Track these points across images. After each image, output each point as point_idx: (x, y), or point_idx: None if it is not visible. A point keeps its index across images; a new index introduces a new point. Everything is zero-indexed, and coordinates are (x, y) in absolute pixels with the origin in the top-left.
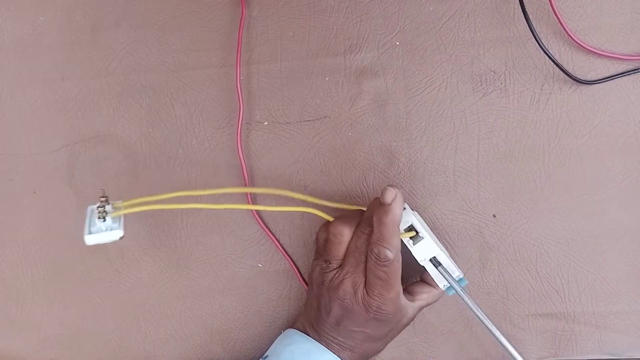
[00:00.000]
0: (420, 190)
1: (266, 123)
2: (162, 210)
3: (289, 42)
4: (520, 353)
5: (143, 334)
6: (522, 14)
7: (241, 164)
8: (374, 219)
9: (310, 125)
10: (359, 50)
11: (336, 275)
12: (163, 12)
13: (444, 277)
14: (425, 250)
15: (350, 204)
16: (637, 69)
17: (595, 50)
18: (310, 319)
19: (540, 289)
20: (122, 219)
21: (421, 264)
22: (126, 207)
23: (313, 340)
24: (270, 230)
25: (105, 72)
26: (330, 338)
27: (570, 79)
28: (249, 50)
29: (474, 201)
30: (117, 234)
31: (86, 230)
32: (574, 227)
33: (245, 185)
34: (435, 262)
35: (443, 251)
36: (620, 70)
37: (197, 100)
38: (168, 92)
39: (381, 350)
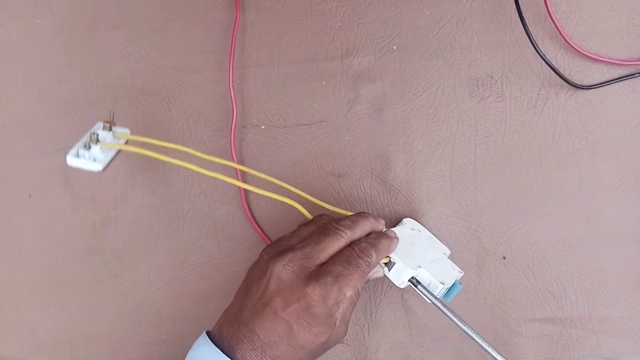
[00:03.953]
0: (417, 195)
1: (263, 127)
2: (157, 210)
3: (286, 46)
4: None
5: (139, 338)
6: (518, 18)
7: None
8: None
9: (308, 129)
10: (356, 55)
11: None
12: (160, 15)
13: (425, 296)
14: (400, 274)
15: (345, 209)
16: (633, 74)
17: (592, 55)
18: (234, 314)
19: (537, 294)
20: (111, 151)
21: (401, 287)
22: (124, 143)
23: (211, 344)
24: (265, 234)
25: (102, 74)
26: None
27: (566, 83)
28: (246, 54)
29: (470, 205)
30: (96, 166)
31: (74, 149)
32: (571, 232)
33: (239, 186)
34: (414, 281)
35: (430, 262)
36: (616, 75)
37: (193, 104)
38: (165, 95)
39: None
